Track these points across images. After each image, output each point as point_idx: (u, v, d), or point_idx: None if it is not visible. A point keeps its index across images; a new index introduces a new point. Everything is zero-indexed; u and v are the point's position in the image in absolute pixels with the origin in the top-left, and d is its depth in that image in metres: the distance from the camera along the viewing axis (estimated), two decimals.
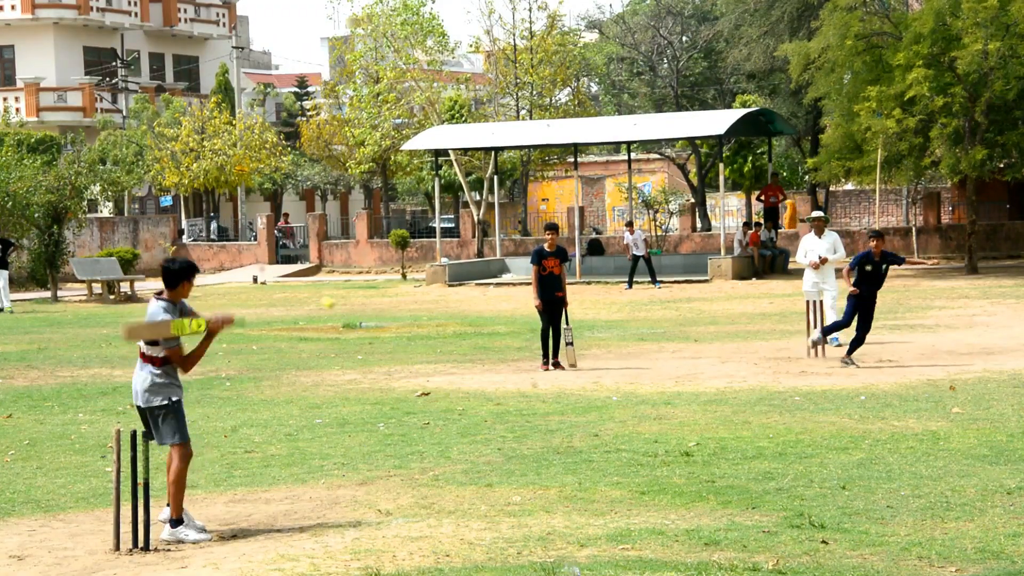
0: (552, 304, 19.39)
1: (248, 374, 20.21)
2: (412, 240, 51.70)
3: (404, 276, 47.13)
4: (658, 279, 37.39)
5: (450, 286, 40.37)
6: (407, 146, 47.83)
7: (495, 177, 47.28)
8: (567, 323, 19.58)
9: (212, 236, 61.47)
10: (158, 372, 9.79)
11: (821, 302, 20.89)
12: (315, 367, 20.75)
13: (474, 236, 50.53)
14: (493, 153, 47.70)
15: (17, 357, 23.72)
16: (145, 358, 9.82)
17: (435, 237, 46.62)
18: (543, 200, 66.19)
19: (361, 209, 64.70)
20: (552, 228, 19.48)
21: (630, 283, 37.23)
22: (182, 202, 68.10)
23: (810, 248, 21.15)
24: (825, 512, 9.92)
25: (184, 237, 60.82)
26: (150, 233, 55.38)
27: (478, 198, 51.68)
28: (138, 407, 9.92)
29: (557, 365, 19.51)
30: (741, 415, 14.67)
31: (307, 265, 52.99)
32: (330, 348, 23.84)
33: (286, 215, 62.94)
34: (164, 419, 9.78)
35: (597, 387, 17.50)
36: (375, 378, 19.12)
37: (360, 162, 57.77)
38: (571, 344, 19.63)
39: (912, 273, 37.49)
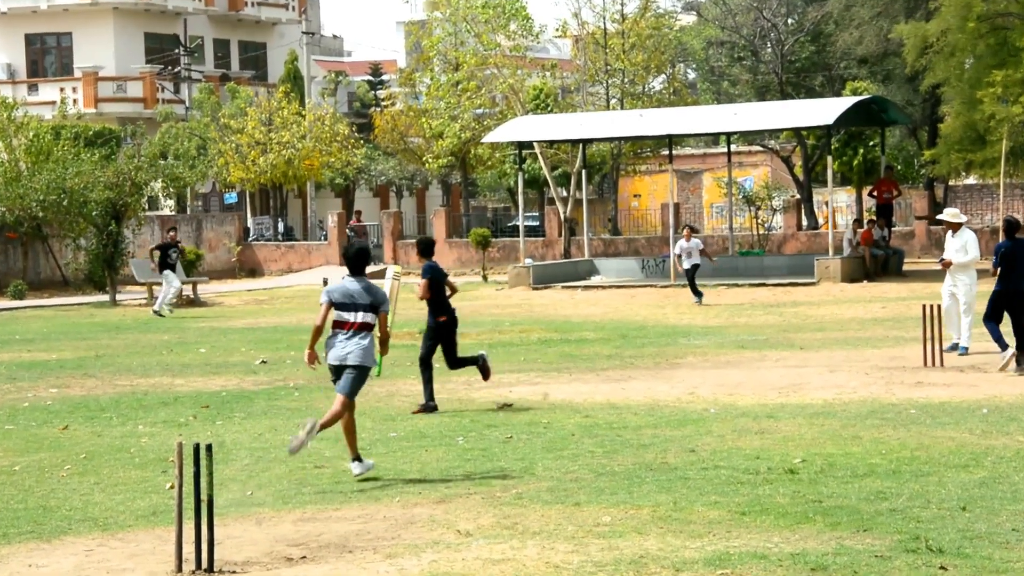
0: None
1: (318, 384, 20.32)
2: (494, 239, 51.83)
3: (485, 278, 47.23)
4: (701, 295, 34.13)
5: (534, 289, 40.41)
6: (488, 138, 47.91)
7: (583, 171, 47.29)
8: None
9: (279, 235, 61.99)
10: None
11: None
12: (389, 376, 20.84)
13: (560, 235, 50.54)
14: (581, 145, 47.70)
15: (74, 364, 24.05)
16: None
17: (518, 236, 46.71)
18: (635, 196, 66.09)
19: (439, 206, 65.01)
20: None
21: (698, 293, 33.87)
22: (248, 199, 68.69)
23: (946, 248, 21.18)
24: (944, 535, 9.83)
25: (250, 236, 61.36)
26: (214, 232, 55.94)
27: (565, 194, 51.67)
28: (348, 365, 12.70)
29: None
30: (851, 429, 14.58)
31: (381, 266, 53.27)
32: (405, 355, 23.93)
33: (358, 213, 63.27)
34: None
35: (693, 398, 17.45)
36: (454, 388, 19.18)
37: (438, 156, 57.99)
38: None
39: None
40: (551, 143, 50.21)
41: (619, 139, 51.08)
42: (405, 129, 62.15)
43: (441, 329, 17.48)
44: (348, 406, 12.82)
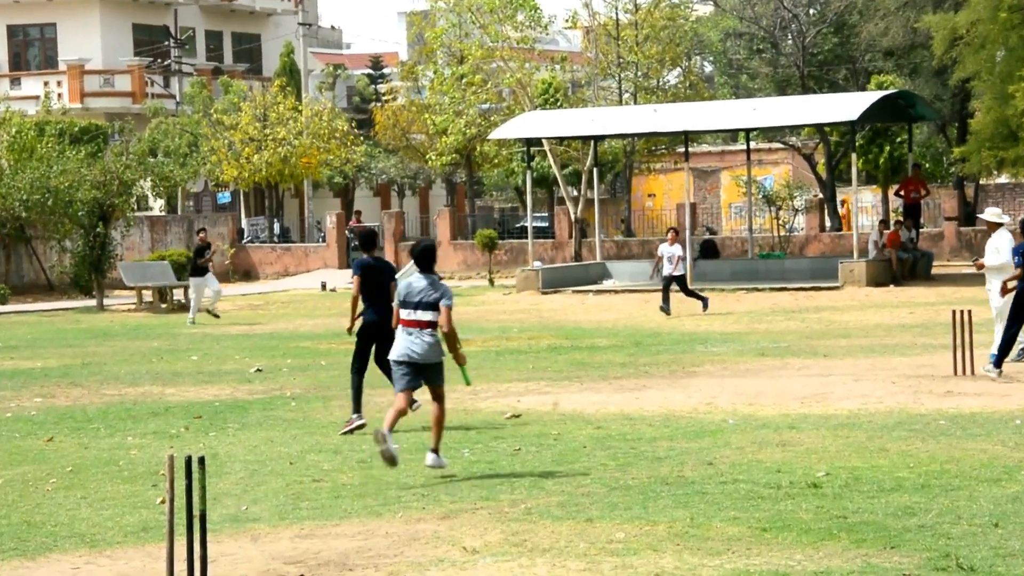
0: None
1: (316, 393, 20.35)
2: (501, 241, 51.84)
3: (492, 282, 47.25)
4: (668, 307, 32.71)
5: (544, 293, 40.44)
6: (495, 135, 47.95)
7: (595, 170, 47.29)
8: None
9: (275, 237, 62.05)
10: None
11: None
12: (390, 385, 20.82)
13: (571, 237, 50.55)
14: (593, 142, 47.72)
15: (59, 372, 24.07)
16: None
17: (526, 238, 46.72)
18: (649, 196, 66.12)
19: (443, 206, 65.00)
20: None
21: (667, 304, 32.55)
22: (242, 199, 68.76)
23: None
24: (975, 553, 9.83)
25: (245, 238, 61.39)
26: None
27: (575, 194, 51.70)
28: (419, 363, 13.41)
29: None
30: (877, 441, 14.57)
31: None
32: None
33: (358, 213, 63.29)
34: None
35: (711, 409, 17.45)
36: (459, 398, 19.18)
37: (442, 153, 57.97)
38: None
39: None
40: (561, 140, 50.23)
41: (632, 136, 51.06)
42: (407, 125, 62.19)
43: (369, 330, 16.75)
44: (440, 397, 13.70)
